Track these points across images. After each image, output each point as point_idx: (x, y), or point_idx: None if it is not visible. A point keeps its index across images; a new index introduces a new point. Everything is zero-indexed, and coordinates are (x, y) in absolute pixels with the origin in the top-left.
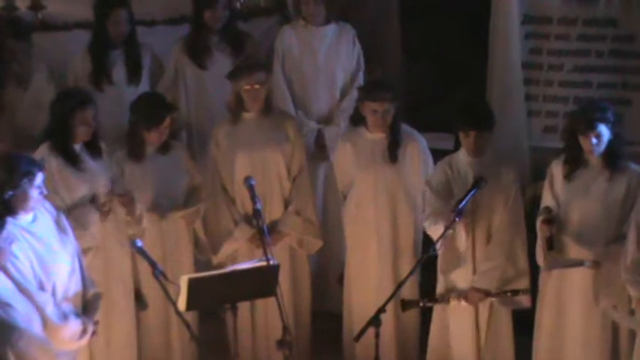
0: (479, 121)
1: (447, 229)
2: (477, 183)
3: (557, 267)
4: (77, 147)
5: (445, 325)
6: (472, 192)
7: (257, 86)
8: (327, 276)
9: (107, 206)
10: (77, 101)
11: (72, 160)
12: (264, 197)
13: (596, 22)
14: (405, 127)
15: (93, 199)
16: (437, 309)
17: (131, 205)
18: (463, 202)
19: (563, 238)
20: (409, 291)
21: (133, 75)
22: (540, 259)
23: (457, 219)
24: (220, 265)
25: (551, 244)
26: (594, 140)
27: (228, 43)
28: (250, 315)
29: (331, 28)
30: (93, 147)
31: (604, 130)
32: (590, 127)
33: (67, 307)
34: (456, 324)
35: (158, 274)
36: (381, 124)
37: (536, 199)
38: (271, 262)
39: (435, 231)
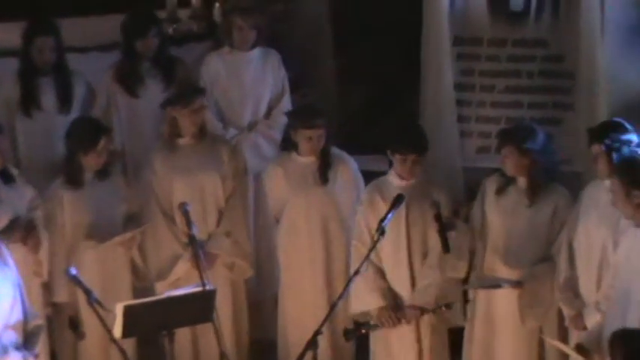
0: (418, 145)
1: (370, 249)
2: (397, 201)
3: (475, 287)
4: None
5: (388, 343)
6: (393, 210)
7: (198, 112)
8: (264, 303)
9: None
10: None
11: None
12: (204, 222)
13: (526, 43)
14: (335, 150)
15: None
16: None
17: (35, 243)
18: (385, 221)
19: (490, 256)
20: (343, 313)
21: (64, 102)
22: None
23: (381, 237)
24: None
25: (446, 246)
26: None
27: (160, 69)
28: (191, 341)
29: (257, 53)
30: (4, 174)
31: (511, 152)
32: (500, 147)
33: (8, 338)
34: (398, 343)
35: (93, 301)
36: (316, 148)
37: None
38: (207, 288)
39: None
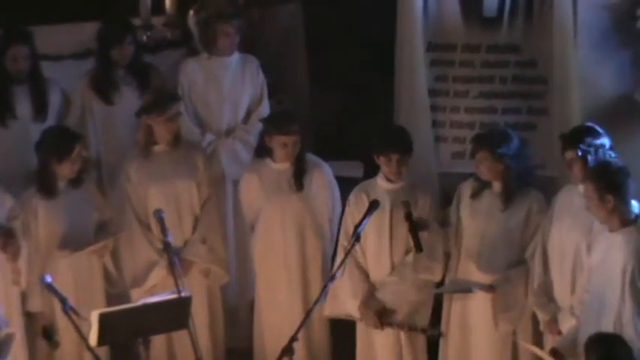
0: (401, 144)
1: (346, 254)
2: (372, 206)
3: (448, 291)
4: None
5: (370, 343)
6: (368, 216)
7: (173, 119)
8: (240, 309)
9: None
10: None
11: None
12: (179, 228)
13: (499, 49)
14: (310, 156)
15: None
16: (360, 329)
17: (14, 251)
18: (361, 227)
19: (464, 260)
20: (319, 320)
21: (39, 111)
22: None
23: (356, 243)
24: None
25: (418, 245)
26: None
27: (135, 77)
28: (167, 348)
29: (235, 58)
30: None
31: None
32: (474, 152)
33: None
34: (380, 344)
35: (68, 309)
36: (291, 155)
37: (445, 225)
38: (183, 294)
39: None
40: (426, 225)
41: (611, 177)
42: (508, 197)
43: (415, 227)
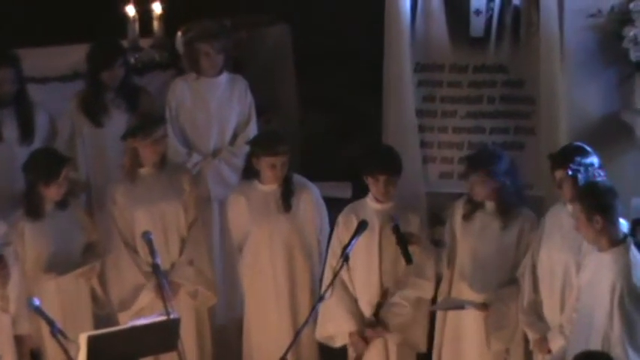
0: (390, 165)
1: (335, 274)
2: (360, 227)
3: (441, 309)
4: None
5: None
6: (357, 236)
7: (159, 142)
8: (228, 329)
9: None
10: None
11: None
12: (167, 250)
13: (487, 69)
14: (298, 177)
15: None
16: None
17: (3, 277)
18: (349, 247)
19: (457, 279)
20: (308, 340)
21: (25, 134)
22: None
23: (345, 263)
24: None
25: (408, 256)
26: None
27: (124, 99)
28: None
29: (223, 79)
30: None
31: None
32: (468, 173)
33: None
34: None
35: (56, 332)
36: (279, 176)
37: (436, 245)
38: (172, 316)
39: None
40: (415, 240)
41: (599, 197)
42: (505, 215)
43: (403, 239)
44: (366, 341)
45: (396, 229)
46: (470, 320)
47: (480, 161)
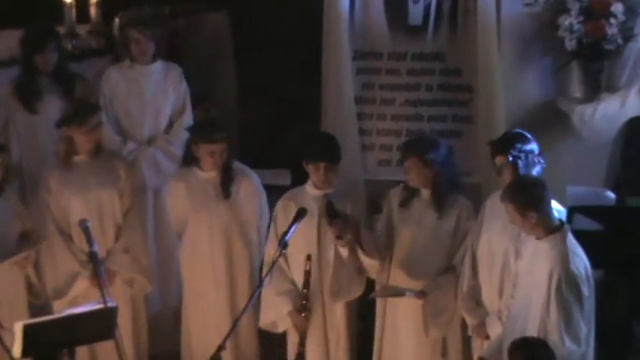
0: (330, 152)
1: (274, 261)
2: (299, 214)
3: (381, 296)
4: None
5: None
6: (295, 224)
7: (94, 130)
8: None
9: None
10: None
11: None
12: (102, 238)
13: (425, 57)
14: (237, 164)
15: None
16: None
17: None
18: (288, 235)
19: (395, 267)
20: (247, 328)
21: None
22: None
23: (283, 250)
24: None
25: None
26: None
27: (59, 85)
28: (90, 358)
29: (157, 67)
30: None
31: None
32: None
33: None
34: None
35: None
36: (218, 163)
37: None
38: (109, 305)
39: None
40: (349, 219)
41: (529, 194)
42: (439, 203)
43: (337, 214)
44: (307, 318)
45: (329, 206)
46: (406, 308)
47: (415, 148)
